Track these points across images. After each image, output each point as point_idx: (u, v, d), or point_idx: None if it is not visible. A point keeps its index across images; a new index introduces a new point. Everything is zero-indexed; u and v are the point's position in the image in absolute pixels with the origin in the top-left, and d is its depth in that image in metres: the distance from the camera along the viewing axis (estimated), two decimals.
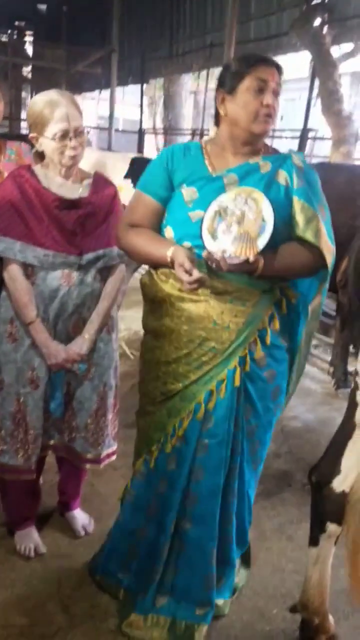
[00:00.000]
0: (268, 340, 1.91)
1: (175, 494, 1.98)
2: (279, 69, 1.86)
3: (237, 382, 1.91)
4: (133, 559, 2.12)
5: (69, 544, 2.48)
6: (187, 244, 1.85)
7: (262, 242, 1.74)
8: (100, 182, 2.19)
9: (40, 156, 2.13)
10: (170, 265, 1.81)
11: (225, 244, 1.75)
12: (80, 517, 2.57)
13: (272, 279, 1.86)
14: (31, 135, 2.08)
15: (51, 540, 2.47)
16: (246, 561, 2.37)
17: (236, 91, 1.84)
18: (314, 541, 2.04)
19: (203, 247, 1.78)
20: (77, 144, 2.04)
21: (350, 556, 1.94)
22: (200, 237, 1.78)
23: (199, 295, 1.85)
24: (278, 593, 2.32)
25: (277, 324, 1.92)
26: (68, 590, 2.23)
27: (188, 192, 1.88)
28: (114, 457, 2.38)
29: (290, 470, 3.21)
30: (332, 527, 1.99)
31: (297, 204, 1.83)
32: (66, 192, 2.10)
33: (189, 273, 1.73)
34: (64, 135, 2.01)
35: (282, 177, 1.86)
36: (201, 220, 1.80)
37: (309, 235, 1.81)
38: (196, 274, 1.72)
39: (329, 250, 1.84)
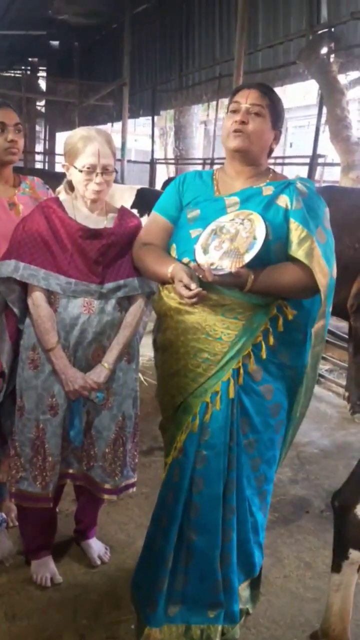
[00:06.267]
0: (263, 354, 1.96)
1: (179, 505, 2.03)
2: (260, 89, 1.99)
3: (232, 394, 1.97)
4: (148, 570, 2.14)
5: (85, 573, 2.47)
6: (186, 259, 1.97)
7: (248, 257, 1.82)
8: (125, 215, 2.25)
9: (71, 186, 2.20)
10: (171, 281, 1.93)
11: (214, 258, 1.85)
12: (96, 546, 2.56)
13: (265, 295, 1.92)
14: (64, 163, 2.17)
15: (67, 570, 2.47)
16: (255, 586, 2.33)
17: (225, 118, 2.05)
18: (336, 568, 2.02)
19: (194, 260, 1.89)
20: (103, 180, 2.09)
21: None
22: (193, 251, 1.89)
23: (194, 307, 1.95)
24: (297, 622, 2.28)
25: (272, 340, 1.96)
26: (85, 620, 2.21)
27: (191, 212, 2.03)
28: (133, 489, 2.37)
29: (308, 497, 3.18)
30: (355, 554, 1.96)
31: (292, 224, 1.90)
32: (91, 223, 2.16)
33: (188, 288, 1.84)
34: (91, 169, 2.07)
35: (283, 200, 1.94)
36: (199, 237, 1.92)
37: (300, 255, 1.87)
38: (194, 288, 1.83)
39: (323, 272, 1.88)
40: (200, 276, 1.85)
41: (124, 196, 5.13)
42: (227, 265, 1.82)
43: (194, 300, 1.85)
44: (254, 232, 1.84)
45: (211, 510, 2.02)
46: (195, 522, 2.04)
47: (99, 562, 2.51)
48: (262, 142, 1.99)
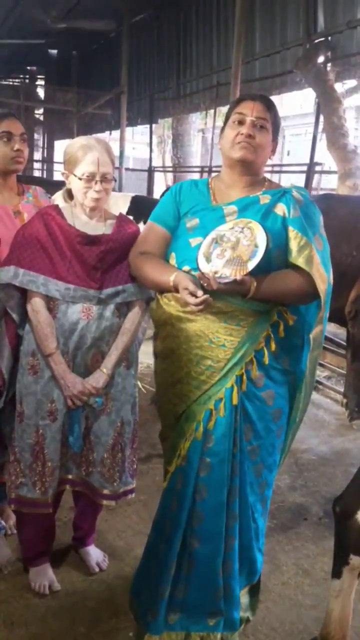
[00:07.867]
0: (265, 360, 1.98)
1: (183, 513, 2.03)
2: (264, 102, 2.02)
3: (235, 401, 1.98)
4: (149, 577, 2.13)
5: (84, 580, 2.46)
6: (186, 267, 1.98)
7: (251, 264, 1.84)
8: (123, 222, 2.27)
9: (70, 194, 2.22)
10: (174, 290, 1.94)
11: (217, 266, 1.87)
12: (94, 553, 2.55)
13: (266, 302, 1.94)
14: (63, 171, 2.19)
15: (66, 577, 2.46)
16: (254, 593, 2.32)
17: (225, 128, 2.06)
18: (336, 573, 2.02)
19: (197, 269, 1.90)
20: (102, 188, 2.12)
21: None
22: (196, 259, 1.90)
23: (196, 314, 1.94)
24: (295, 629, 2.28)
25: (273, 346, 1.98)
26: (82, 628, 2.21)
27: (190, 221, 2.04)
28: (131, 495, 2.36)
29: (306, 504, 3.18)
30: (355, 560, 1.96)
31: (291, 232, 1.93)
32: (89, 229, 2.18)
33: (194, 295, 1.84)
34: (91, 177, 2.10)
35: (280, 208, 1.97)
36: (199, 245, 1.93)
37: (300, 262, 1.91)
38: (201, 294, 1.83)
39: (322, 278, 1.92)
40: (205, 284, 1.86)
41: (118, 203, 5.14)
42: (231, 273, 1.85)
43: (200, 307, 1.85)
44: (254, 240, 1.87)
45: (214, 518, 2.02)
46: (198, 530, 2.03)
47: (97, 570, 2.51)
48: (264, 154, 2.04)
